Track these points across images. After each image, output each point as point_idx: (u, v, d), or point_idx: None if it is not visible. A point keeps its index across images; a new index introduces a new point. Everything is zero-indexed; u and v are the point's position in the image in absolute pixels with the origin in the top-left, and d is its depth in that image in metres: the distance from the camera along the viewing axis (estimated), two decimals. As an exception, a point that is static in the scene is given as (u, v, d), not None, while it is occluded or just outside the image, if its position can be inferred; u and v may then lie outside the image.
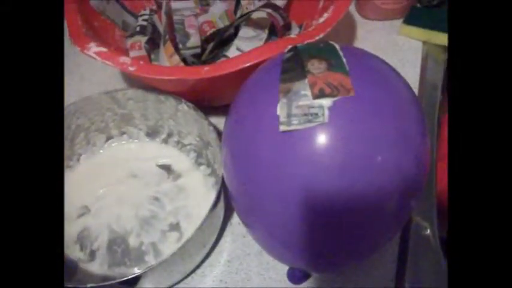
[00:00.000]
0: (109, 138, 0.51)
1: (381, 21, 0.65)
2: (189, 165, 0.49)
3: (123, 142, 0.52)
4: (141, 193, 0.47)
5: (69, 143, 0.48)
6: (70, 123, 0.47)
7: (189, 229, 0.44)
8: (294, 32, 0.54)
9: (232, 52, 0.51)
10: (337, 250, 0.32)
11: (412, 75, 0.57)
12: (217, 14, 0.56)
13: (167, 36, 0.49)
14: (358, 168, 0.28)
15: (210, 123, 0.43)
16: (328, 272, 0.41)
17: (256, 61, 0.39)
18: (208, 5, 0.59)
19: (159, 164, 0.50)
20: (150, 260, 0.43)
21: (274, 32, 0.53)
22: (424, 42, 0.61)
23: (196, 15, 0.55)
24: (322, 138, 0.28)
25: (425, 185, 0.33)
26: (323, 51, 0.33)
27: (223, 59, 0.51)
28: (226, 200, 0.40)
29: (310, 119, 0.29)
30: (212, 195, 0.38)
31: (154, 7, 0.59)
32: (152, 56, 0.53)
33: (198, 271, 0.43)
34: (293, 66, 0.32)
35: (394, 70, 0.34)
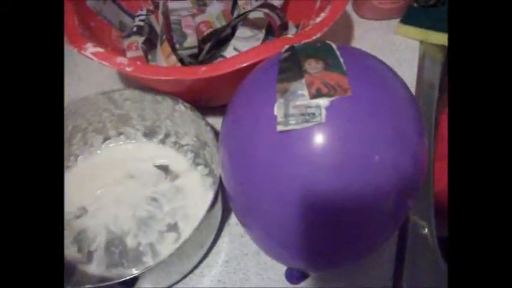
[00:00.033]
0: (106, 138, 0.51)
1: (378, 21, 0.65)
2: (186, 165, 0.49)
3: (121, 143, 0.52)
4: (139, 194, 0.47)
5: (66, 144, 0.48)
6: (67, 124, 0.47)
7: (186, 229, 0.44)
8: (291, 31, 0.54)
9: (229, 52, 0.51)
10: (335, 250, 0.32)
11: (409, 75, 0.57)
12: (214, 14, 0.56)
13: (164, 37, 0.49)
14: (356, 168, 0.28)
15: (208, 124, 0.43)
16: (326, 271, 0.41)
17: (253, 61, 0.39)
18: (205, 5, 0.59)
19: (157, 164, 0.50)
20: (148, 260, 0.43)
21: (271, 32, 0.53)
22: (421, 42, 0.61)
23: (193, 16, 0.55)
24: (319, 138, 0.28)
25: (423, 184, 0.33)
26: (320, 51, 0.33)
27: (220, 59, 0.51)
28: (224, 200, 0.40)
29: (308, 119, 0.29)
30: (210, 196, 0.38)
31: (151, 7, 0.59)
32: (149, 57, 0.53)
33: (196, 271, 0.43)
34: (290, 66, 0.32)
35: (391, 70, 0.34)
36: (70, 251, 0.43)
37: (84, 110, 0.47)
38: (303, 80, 0.30)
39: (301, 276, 0.37)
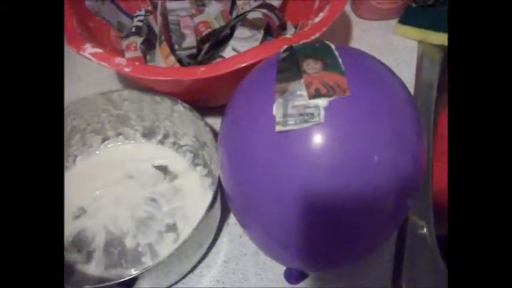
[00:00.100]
0: (105, 139, 0.51)
1: (377, 21, 0.65)
2: (185, 166, 0.49)
3: (119, 143, 0.52)
4: (138, 194, 0.47)
5: (65, 145, 0.48)
6: (66, 124, 0.47)
7: (185, 230, 0.44)
8: (290, 32, 0.54)
9: (228, 52, 0.51)
10: (334, 250, 0.32)
11: (407, 75, 0.57)
12: (213, 15, 0.56)
13: (163, 37, 0.49)
14: (355, 168, 0.28)
15: (206, 124, 0.43)
16: (325, 271, 0.41)
17: (251, 61, 0.39)
18: (203, 5, 0.59)
19: (156, 164, 0.50)
20: (147, 261, 0.43)
21: (270, 32, 0.53)
22: (420, 42, 0.61)
23: (191, 16, 0.55)
24: (318, 138, 0.28)
25: (422, 184, 0.33)
26: (319, 51, 0.33)
27: (219, 59, 0.51)
28: (223, 201, 0.40)
29: (306, 119, 0.29)
30: (209, 196, 0.38)
31: (150, 8, 0.59)
32: (148, 57, 0.53)
33: (195, 271, 0.43)
34: (289, 66, 0.32)
35: (389, 70, 0.34)
36: (69, 252, 0.43)
37: (83, 111, 0.47)
38: (302, 80, 0.30)
39: (300, 276, 0.37)
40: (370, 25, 0.65)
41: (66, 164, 0.49)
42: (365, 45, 0.56)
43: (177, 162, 0.50)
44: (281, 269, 0.38)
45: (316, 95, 0.29)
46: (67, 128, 0.47)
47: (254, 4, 0.55)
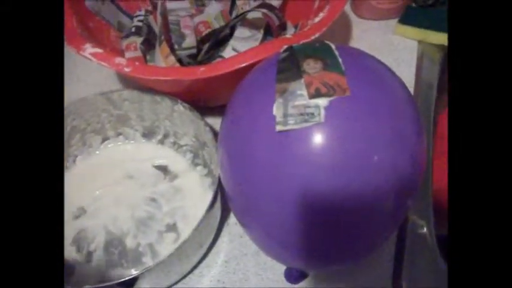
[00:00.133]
0: (105, 139, 0.51)
1: (377, 21, 0.65)
2: (185, 165, 0.49)
3: (119, 143, 0.52)
4: (138, 194, 0.47)
5: (65, 145, 0.48)
6: (66, 124, 0.47)
7: (186, 230, 0.44)
8: (290, 32, 0.54)
9: (227, 52, 0.51)
10: (334, 249, 0.32)
11: (407, 75, 0.57)
12: (213, 15, 0.56)
13: (163, 37, 0.49)
14: (355, 168, 0.28)
15: (206, 124, 0.43)
16: (325, 271, 0.41)
17: (251, 61, 0.39)
18: (203, 5, 0.59)
19: (156, 164, 0.50)
20: (147, 261, 0.43)
21: (270, 32, 0.53)
22: (420, 42, 0.61)
23: (191, 16, 0.55)
24: (318, 138, 0.28)
25: (422, 183, 0.33)
26: (319, 51, 0.33)
27: (219, 59, 0.51)
28: (223, 201, 0.40)
29: (307, 119, 0.29)
30: (209, 196, 0.38)
31: (150, 8, 0.59)
32: (148, 57, 0.53)
33: (196, 271, 0.43)
34: (289, 66, 0.32)
35: (389, 69, 0.34)
36: (69, 252, 0.43)
37: (83, 111, 0.47)
38: (302, 80, 0.30)
39: (300, 276, 0.37)
40: (370, 25, 0.65)
41: (66, 164, 0.49)
42: (365, 45, 0.56)
43: (177, 162, 0.50)
44: (281, 269, 0.38)
45: (317, 94, 0.29)
46: (67, 128, 0.47)
47: (254, 4, 0.55)
